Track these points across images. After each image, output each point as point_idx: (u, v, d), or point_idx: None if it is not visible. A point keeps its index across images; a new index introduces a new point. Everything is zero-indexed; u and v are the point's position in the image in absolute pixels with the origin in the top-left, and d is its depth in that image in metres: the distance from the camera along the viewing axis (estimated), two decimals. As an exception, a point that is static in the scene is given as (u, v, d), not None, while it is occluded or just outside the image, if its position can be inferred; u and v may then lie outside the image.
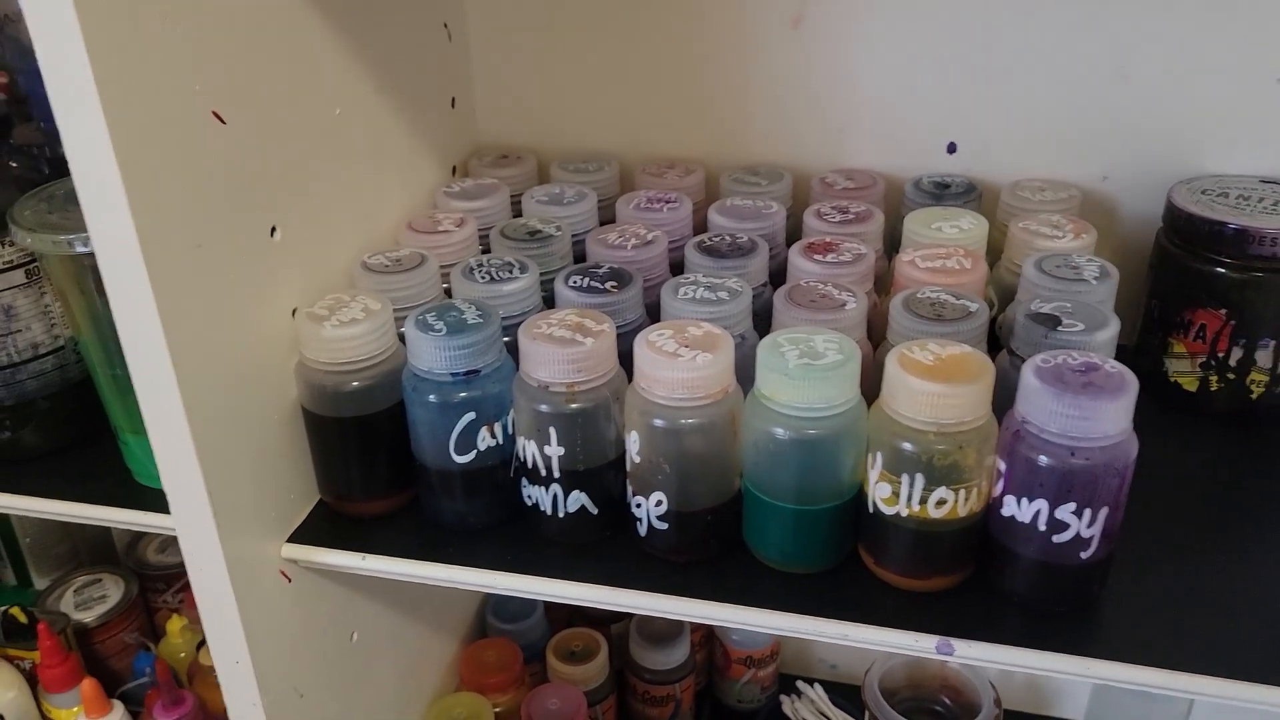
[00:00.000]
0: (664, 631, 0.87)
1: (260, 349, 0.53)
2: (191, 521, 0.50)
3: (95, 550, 0.97)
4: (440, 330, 0.52)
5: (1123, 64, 0.66)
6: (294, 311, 0.55)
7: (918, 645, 0.49)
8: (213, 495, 0.49)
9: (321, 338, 0.53)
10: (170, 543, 0.95)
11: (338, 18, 0.57)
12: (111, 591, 0.89)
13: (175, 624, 0.88)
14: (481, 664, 0.82)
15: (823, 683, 0.96)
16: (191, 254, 0.46)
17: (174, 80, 0.44)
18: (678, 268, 0.62)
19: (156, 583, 0.93)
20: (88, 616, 0.86)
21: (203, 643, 0.88)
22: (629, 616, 0.89)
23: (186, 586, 0.91)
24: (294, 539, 0.56)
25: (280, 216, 0.53)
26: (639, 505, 0.53)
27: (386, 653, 0.71)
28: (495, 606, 0.89)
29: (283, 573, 0.56)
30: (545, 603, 0.91)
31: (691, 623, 0.90)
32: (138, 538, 0.96)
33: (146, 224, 0.42)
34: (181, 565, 0.91)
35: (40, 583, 0.93)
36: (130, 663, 0.88)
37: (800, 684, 0.95)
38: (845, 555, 0.53)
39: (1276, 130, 0.65)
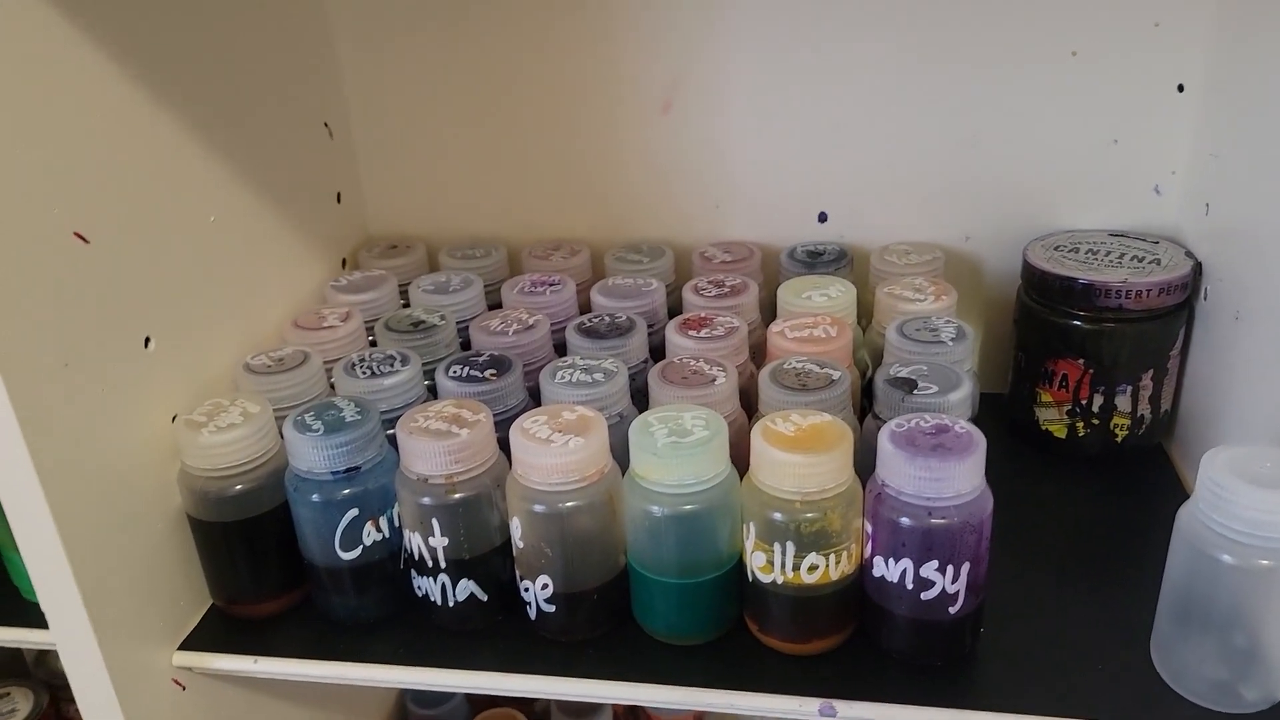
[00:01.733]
0: (584, 707, 0.87)
1: (140, 458, 0.53)
2: (70, 636, 0.50)
3: (3, 665, 0.94)
4: (318, 429, 0.52)
5: (974, 131, 0.70)
6: (174, 418, 0.55)
7: (801, 710, 0.50)
8: (91, 608, 0.49)
9: (200, 444, 0.53)
10: (79, 651, 0.93)
11: (207, 128, 0.58)
12: (20, 705, 0.87)
13: (85, 736, 0.86)
14: (400, 754, 0.81)
15: (749, 744, 0.96)
16: (58, 373, 0.47)
17: (31, 204, 0.45)
18: (562, 349, 0.64)
19: (68, 692, 0.90)
20: (-5, 733, 0.84)
21: (113, 754, 0.85)
22: (550, 692, 0.89)
23: (96, 696, 0.89)
24: (185, 646, 0.56)
25: (153, 327, 0.54)
26: (526, 589, 0.53)
27: (298, 752, 0.70)
28: (415, 694, 0.88)
29: (176, 681, 0.56)
30: (466, 685, 0.90)
31: (613, 694, 0.90)
32: (47, 650, 0.94)
33: (6, 347, 0.43)
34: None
35: (-56, 702, 0.91)
36: (40, 779, 0.85)
37: (727, 747, 0.96)
38: (731, 623, 0.54)
39: (1118, 187, 0.69)
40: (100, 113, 0.50)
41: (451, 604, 0.54)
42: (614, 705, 0.90)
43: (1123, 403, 0.65)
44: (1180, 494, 0.64)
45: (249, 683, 0.62)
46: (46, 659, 0.93)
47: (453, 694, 0.88)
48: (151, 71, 0.53)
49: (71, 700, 0.90)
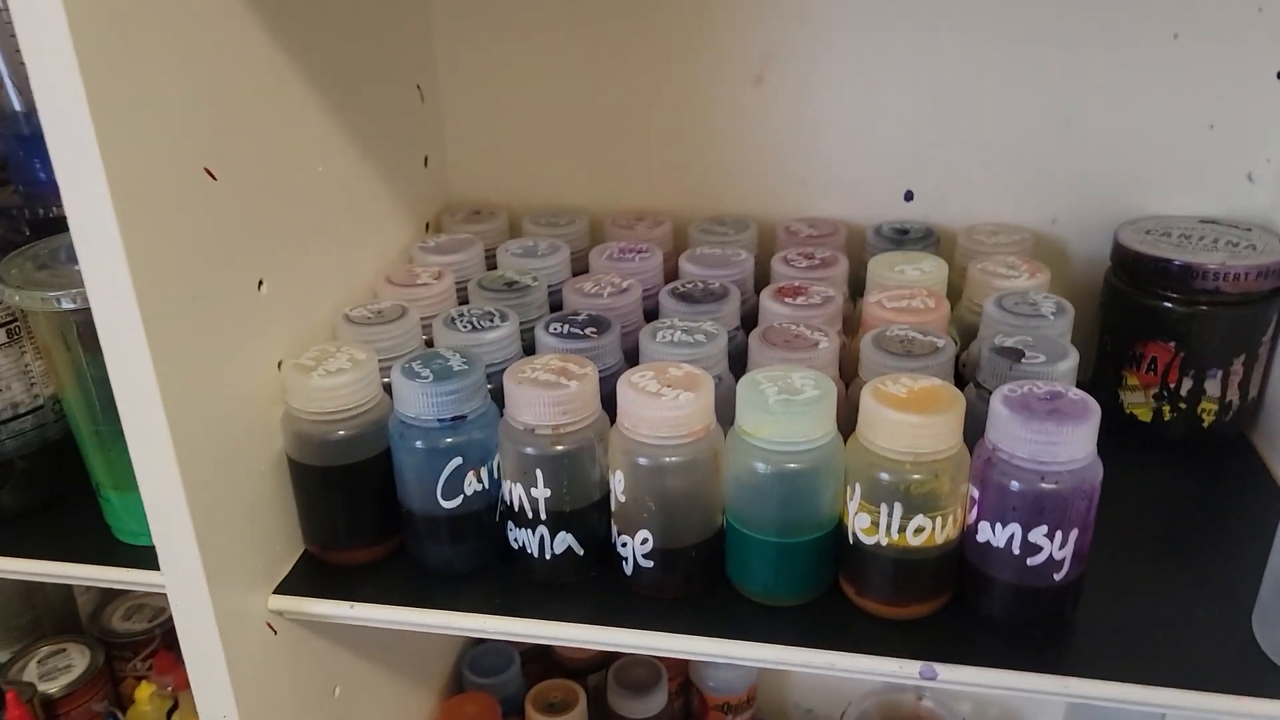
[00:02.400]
0: (641, 680, 0.87)
1: (248, 400, 0.53)
2: (182, 577, 0.50)
3: (58, 620, 0.95)
4: (427, 377, 0.53)
5: (1068, 114, 0.70)
6: (279, 363, 0.56)
7: (902, 671, 0.50)
8: (203, 549, 0.49)
9: (309, 388, 0.53)
10: (137, 609, 0.93)
11: (319, 80, 0.59)
12: (77, 661, 0.88)
13: (144, 691, 0.87)
14: (461, 718, 0.81)
15: (800, 727, 0.96)
16: (186, 306, 0.47)
17: (169, 138, 0.45)
18: (651, 315, 0.64)
19: (123, 650, 0.91)
20: (53, 687, 0.85)
21: (174, 709, 0.86)
22: (605, 667, 0.89)
23: (154, 653, 0.90)
24: (280, 590, 0.56)
25: (266, 270, 0.54)
26: (624, 544, 0.54)
27: (366, 708, 0.70)
28: (472, 661, 0.89)
29: (269, 625, 0.56)
30: (521, 657, 0.91)
31: (668, 671, 0.90)
32: (102, 605, 0.95)
33: (143, 277, 0.43)
34: (148, 631, 0.91)
35: (1, 655, 0.91)
36: (99, 732, 0.86)
37: (777, 729, 0.96)
38: (827, 587, 0.54)
39: (1211, 173, 0.69)
40: (230, 56, 0.50)
41: (549, 556, 0.54)
42: (668, 685, 0.90)
43: (1212, 387, 0.65)
44: (1268, 482, 0.64)
45: (333, 633, 0.62)
46: (102, 615, 0.94)
47: (509, 664, 0.89)
48: (276, 20, 0.54)
49: (125, 658, 0.92)
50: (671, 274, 0.70)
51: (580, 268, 0.71)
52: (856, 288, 0.69)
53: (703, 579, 0.54)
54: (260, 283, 0.54)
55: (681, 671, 0.93)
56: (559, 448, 0.52)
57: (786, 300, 0.61)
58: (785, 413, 0.49)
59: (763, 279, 0.68)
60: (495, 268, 0.70)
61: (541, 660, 0.92)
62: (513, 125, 0.78)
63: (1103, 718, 0.80)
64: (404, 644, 0.75)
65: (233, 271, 0.51)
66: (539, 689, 0.86)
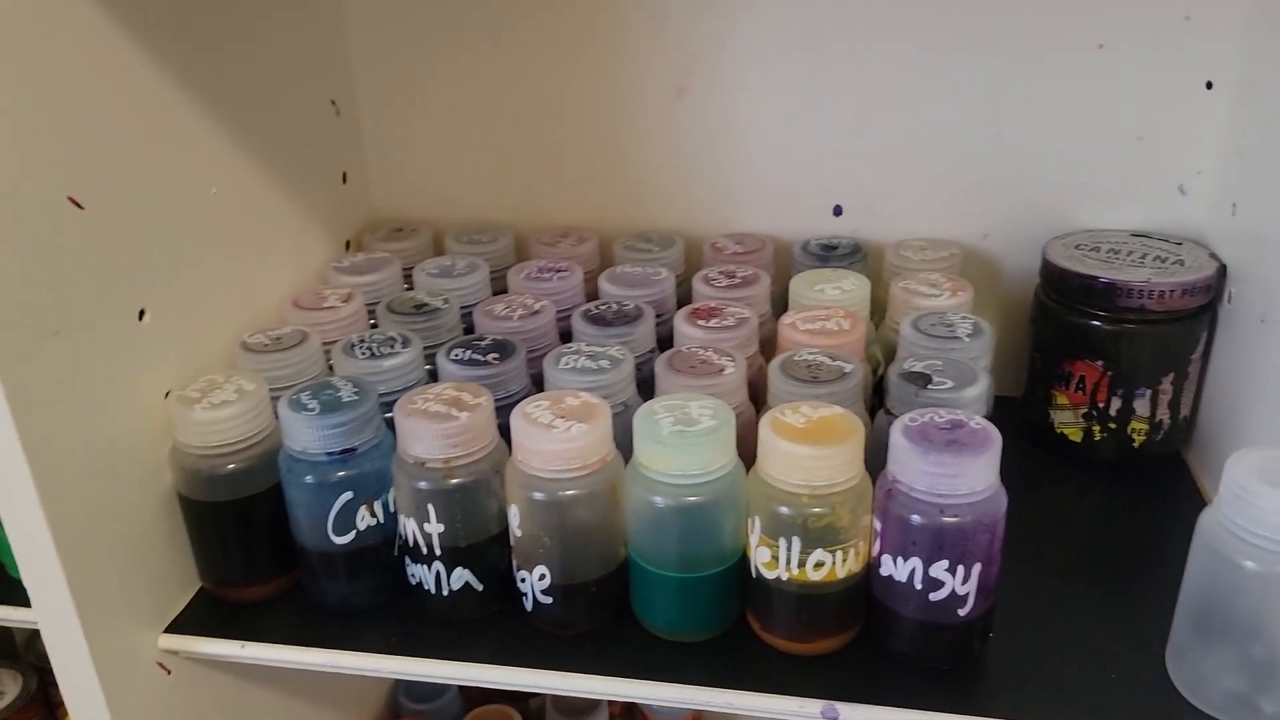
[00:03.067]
0: (580, 705, 0.86)
1: (131, 434, 0.51)
2: (53, 615, 0.48)
3: (-8, 646, 0.93)
4: (314, 409, 0.51)
5: (996, 125, 0.68)
6: (167, 395, 0.54)
7: (803, 711, 0.48)
8: (75, 587, 0.48)
9: (193, 421, 0.52)
10: (70, 634, 0.92)
11: (213, 97, 0.57)
12: (9, 688, 0.86)
13: None
14: (391, 747, 0.80)
15: (747, 748, 0.95)
16: (47, 341, 0.45)
17: (23, 166, 0.44)
18: (568, 337, 0.63)
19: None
20: (-16, 715, 0.83)
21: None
22: (546, 690, 0.88)
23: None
24: (171, 629, 0.55)
25: (149, 299, 0.52)
26: (523, 580, 0.52)
27: (285, 742, 0.69)
28: (407, 687, 0.87)
29: (160, 664, 0.54)
30: (461, 679, 0.89)
31: (610, 693, 0.88)
32: (38, 632, 0.93)
33: (-6, 312, 0.42)
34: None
35: (-69, 683, 0.89)
36: (27, 763, 0.84)
37: (725, 751, 0.94)
38: (733, 621, 0.52)
39: (1142, 185, 0.68)
40: (99, 76, 0.49)
41: (446, 593, 0.53)
42: (610, 704, 0.88)
43: (1141, 407, 0.63)
44: (1198, 502, 0.62)
45: (235, 670, 0.60)
46: (37, 641, 0.92)
47: (446, 689, 0.87)
48: (154, 36, 0.52)
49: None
50: (594, 293, 0.68)
51: (503, 287, 0.69)
52: (785, 306, 0.67)
53: (605, 614, 0.53)
54: (142, 313, 0.52)
55: (625, 693, 0.91)
56: (452, 481, 0.50)
57: (699, 322, 0.59)
58: (680, 444, 0.48)
59: (687, 298, 0.67)
60: (414, 288, 0.68)
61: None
62: (435, 140, 0.76)
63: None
64: (322, 675, 0.73)
65: (107, 303, 0.49)
66: (474, 715, 0.85)
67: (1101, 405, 0.63)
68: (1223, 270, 0.62)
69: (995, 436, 0.46)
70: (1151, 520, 0.61)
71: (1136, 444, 0.64)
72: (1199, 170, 0.66)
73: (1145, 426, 0.64)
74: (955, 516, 0.46)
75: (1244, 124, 0.62)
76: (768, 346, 0.63)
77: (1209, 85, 0.64)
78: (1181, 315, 0.61)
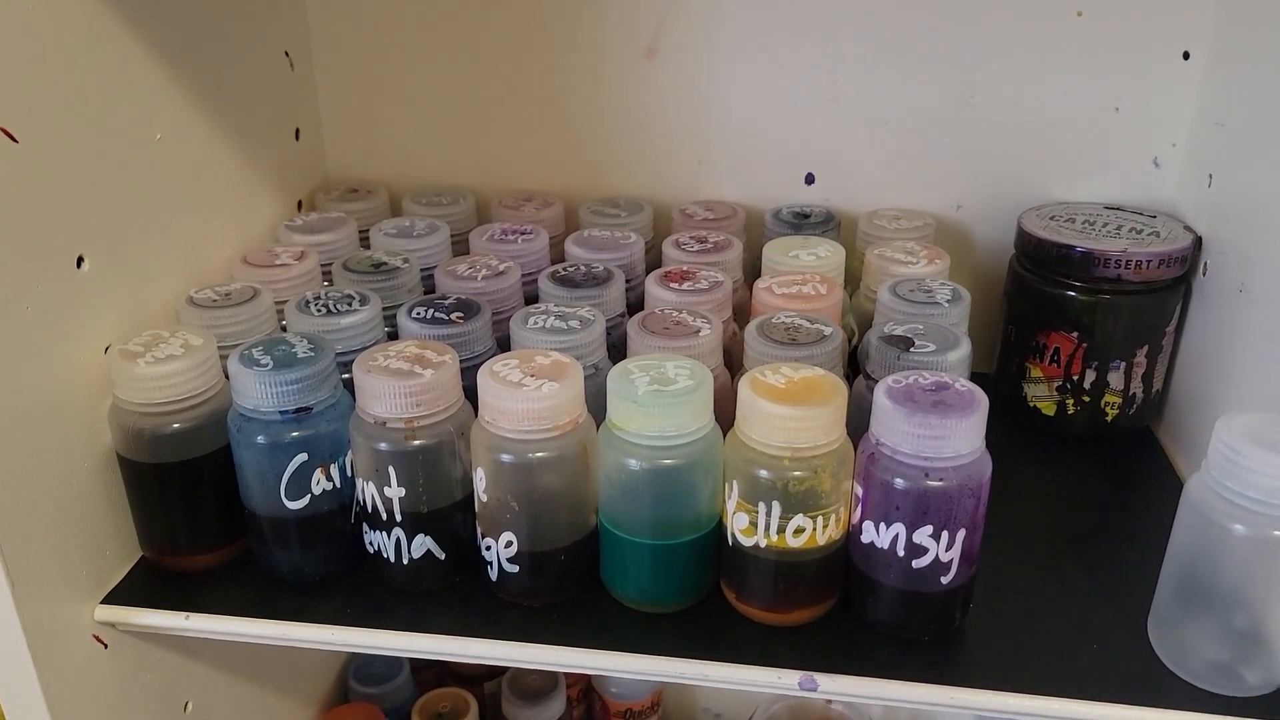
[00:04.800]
0: (537, 687, 0.83)
1: (67, 390, 0.48)
2: (-21, 582, 0.45)
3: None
4: (266, 364, 0.48)
5: (970, 93, 0.67)
6: (107, 349, 0.50)
7: (780, 682, 0.46)
8: (4, 554, 0.44)
9: (135, 376, 0.48)
10: None
11: (155, 37, 0.53)
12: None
13: None
14: (340, 731, 0.77)
15: (706, 732, 0.93)
16: (-28, 284, 0.42)
17: (-49, 91, 0.40)
18: (533, 301, 0.60)
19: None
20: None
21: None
22: (501, 673, 0.85)
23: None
24: (109, 600, 0.51)
25: (88, 246, 0.49)
26: (488, 547, 0.49)
27: (229, 723, 0.65)
28: (357, 669, 0.84)
29: (97, 637, 0.51)
30: (412, 663, 0.86)
31: (568, 676, 0.86)
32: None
33: (-85, 248, 0.38)
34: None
35: None
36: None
37: (682, 735, 0.92)
38: (707, 591, 0.50)
39: (1117, 157, 0.67)
40: (42, 11, 0.45)
41: (406, 561, 0.50)
42: (568, 689, 0.86)
43: (1115, 380, 0.62)
44: (1171, 477, 0.62)
45: (179, 645, 0.57)
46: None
47: (398, 671, 0.84)
48: (97, -34, 0.49)
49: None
50: (560, 258, 0.65)
51: (464, 250, 0.67)
52: (755, 275, 0.65)
53: (573, 584, 0.50)
54: (81, 259, 0.48)
55: (582, 677, 0.89)
56: (415, 442, 0.48)
57: (672, 285, 0.57)
58: (656, 404, 0.45)
59: (656, 264, 0.65)
60: (371, 249, 0.65)
61: (435, 667, 0.87)
62: (394, 98, 0.73)
63: None
64: (269, 652, 0.70)
65: (42, 246, 0.46)
66: (427, 699, 0.82)
67: (1076, 378, 0.63)
68: (1198, 242, 0.62)
69: (981, 398, 0.45)
70: (1126, 494, 0.61)
71: (1109, 418, 0.63)
72: (1173, 142, 0.66)
73: (1119, 400, 0.63)
74: (940, 480, 0.44)
75: (1221, 95, 0.61)
76: (740, 314, 0.61)
77: (1185, 56, 0.63)
78: (1157, 286, 0.60)
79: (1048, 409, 0.64)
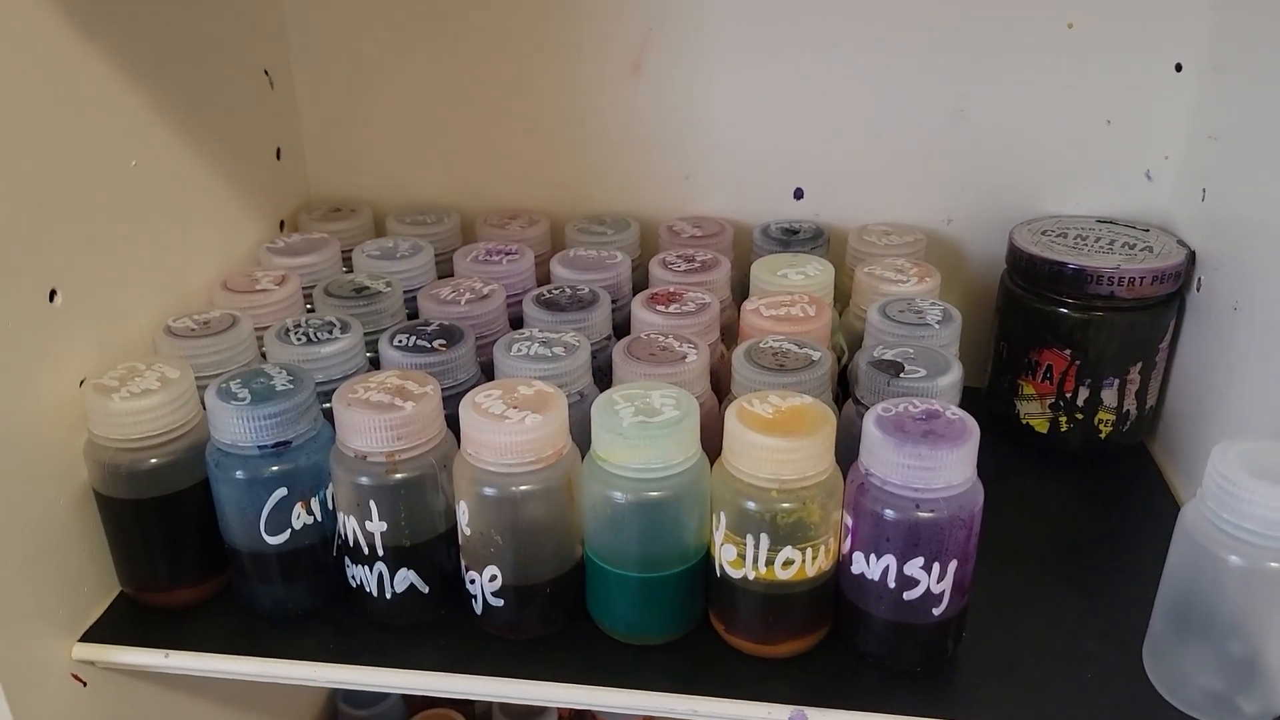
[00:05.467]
0: (528, 708, 0.82)
1: (41, 426, 0.47)
2: (-48, 624, 0.44)
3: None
4: (244, 399, 0.47)
5: (961, 105, 0.66)
6: (82, 383, 0.49)
7: (770, 717, 0.46)
8: (-23, 594, 0.43)
9: (110, 411, 0.47)
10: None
11: (128, 58, 0.52)
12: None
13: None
14: (330, 756, 0.76)
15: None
16: (-59, 323, 0.41)
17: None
18: (519, 323, 0.59)
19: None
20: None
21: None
22: (493, 692, 0.84)
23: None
24: (87, 637, 0.50)
25: (61, 279, 0.48)
26: (473, 581, 0.49)
27: (216, 754, 0.65)
28: (347, 693, 0.83)
29: (76, 676, 0.50)
30: (403, 682, 0.85)
31: (560, 694, 0.85)
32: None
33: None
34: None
35: None
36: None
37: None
38: (695, 623, 0.49)
39: (1109, 170, 0.66)
40: (4, 24, 0.44)
41: (389, 595, 0.49)
42: (560, 711, 0.85)
43: (1109, 397, 0.61)
44: (1166, 495, 0.61)
45: (161, 680, 0.56)
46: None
47: (388, 694, 0.83)
48: (66, -7, 0.48)
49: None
50: (545, 278, 0.65)
51: (448, 271, 0.66)
52: (744, 292, 0.64)
53: (560, 617, 0.50)
54: (53, 293, 0.47)
55: (575, 694, 0.88)
56: (396, 476, 0.47)
57: (658, 308, 0.56)
58: (641, 436, 0.45)
59: (643, 283, 0.64)
60: (353, 271, 0.64)
61: (425, 686, 0.87)
62: (377, 116, 0.72)
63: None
64: (255, 684, 0.69)
65: (13, 282, 0.45)
66: (419, 718, 0.81)
67: (1069, 395, 0.62)
68: (1192, 257, 0.61)
69: (973, 427, 0.44)
70: (1121, 514, 0.60)
71: (1103, 435, 0.63)
72: (1166, 155, 0.65)
73: (1112, 417, 0.62)
74: (931, 512, 0.43)
75: (1214, 107, 0.61)
76: (729, 334, 0.60)
77: (1178, 68, 0.63)
78: (1151, 303, 0.60)
79: (1041, 426, 0.64)
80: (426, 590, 0.49)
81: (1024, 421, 0.64)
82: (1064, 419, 0.63)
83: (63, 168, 0.48)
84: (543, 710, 0.82)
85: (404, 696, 0.84)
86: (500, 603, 0.48)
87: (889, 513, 0.44)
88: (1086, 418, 0.62)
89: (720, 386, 0.55)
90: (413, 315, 0.61)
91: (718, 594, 0.48)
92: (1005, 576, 0.53)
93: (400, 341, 0.53)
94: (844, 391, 0.56)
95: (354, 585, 0.50)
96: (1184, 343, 0.62)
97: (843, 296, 0.64)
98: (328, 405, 0.50)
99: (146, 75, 0.54)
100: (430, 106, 0.71)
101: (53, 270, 0.47)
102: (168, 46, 0.56)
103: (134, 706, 0.55)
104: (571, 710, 0.87)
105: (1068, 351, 0.61)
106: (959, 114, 0.66)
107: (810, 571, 0.46)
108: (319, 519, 0.49)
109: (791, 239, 0.67)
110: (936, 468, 0.43)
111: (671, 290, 0.58)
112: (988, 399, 0.66)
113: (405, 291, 0.61)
